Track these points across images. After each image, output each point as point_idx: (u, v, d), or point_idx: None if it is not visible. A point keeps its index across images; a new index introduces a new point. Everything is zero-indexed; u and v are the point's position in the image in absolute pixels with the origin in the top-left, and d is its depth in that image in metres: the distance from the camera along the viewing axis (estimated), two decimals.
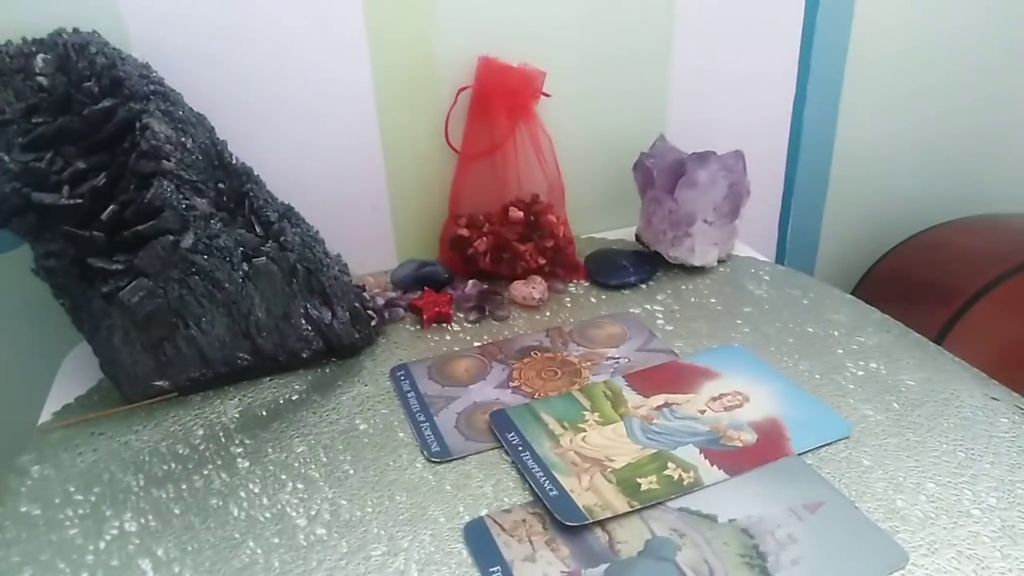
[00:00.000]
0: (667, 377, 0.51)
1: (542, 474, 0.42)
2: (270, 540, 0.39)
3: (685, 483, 0.41)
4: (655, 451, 0.44)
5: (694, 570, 0.36)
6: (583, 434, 0.45)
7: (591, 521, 0.39)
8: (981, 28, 0.87)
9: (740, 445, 0.44)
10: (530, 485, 0.42)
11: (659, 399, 0.49)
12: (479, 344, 0.56)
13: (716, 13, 0.73)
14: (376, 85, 0.63)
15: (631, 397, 0.49)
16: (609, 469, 0.42)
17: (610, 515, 0.39)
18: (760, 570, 0.36)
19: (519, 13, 0.65)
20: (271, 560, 0.38)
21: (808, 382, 0.50)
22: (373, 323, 0.57)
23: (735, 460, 0.43)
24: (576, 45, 0.68)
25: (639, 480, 0.41)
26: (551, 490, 0.41)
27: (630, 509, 0.39)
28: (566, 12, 0.66)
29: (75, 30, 0.51)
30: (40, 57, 0.47)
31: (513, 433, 0.45)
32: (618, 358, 0.53)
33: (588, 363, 0.53)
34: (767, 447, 0.44)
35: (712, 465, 0.43)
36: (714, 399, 0.49)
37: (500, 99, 0.63)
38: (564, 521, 0.39)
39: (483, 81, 0.64)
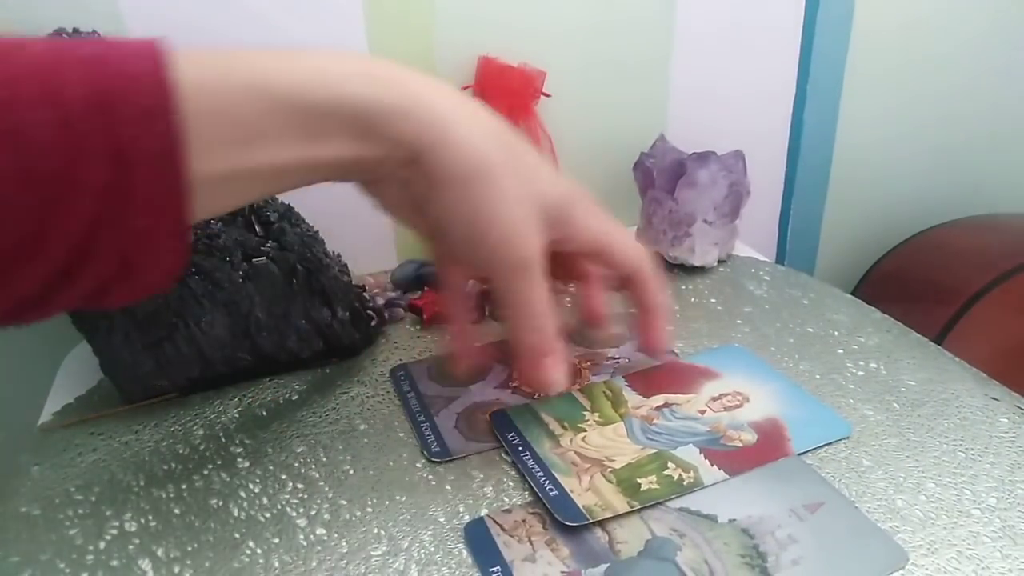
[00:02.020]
0: (667, 377, 0.51)
1: (542, 474, 0.42)
2: (270, 540, 0.39)
3: (685, 483, 0.41)
4: (655, 451, 0.44)
5: (694, 570, 0.36)
6: (583, 434, 0.45)
7: (591, 521, 0.39)
8: (982, 27, 0.88)
9: (740, 445, 0.44)
10: (530, 485, 0.42)
11: (659, 399, 0.49)
12: (479, 344, 0.56)
13: (717, 15, 0.73)
14: None
15: (631, 397, 0.49)
16: (609, 469, 0.42)
17: (610, 515, 0.39)
18: (760, 570, 0.36)
19: (520, 13, 0.65)
20: (271, 560, 0.38)
21: (808, 382, 0.50)
22: (373, 323, 0.57)
23: (735, 460, 0.43)
24: (577, 46, 0.68)
25: (639, 480, 0.41)
26: (551, 490, 0.41)
27: (630, 509, 0.39)
28: (567, 12, 0.67)
29: (75, 30, 0.51)
30: None
31: (513, 433, 0.45)
32: (618, 358, 0.53)
33: (588, 363, 0.53)
34: (767, 447, 0.44)
35: (712, 465, 0.43)
36: (714, 399, 0.49)
37: (500, 99, 0.63)
38: (564, 521, 0.39)
39: (483, 81, 0.64)
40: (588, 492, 0.41)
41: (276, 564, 0.38)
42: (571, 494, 0.40)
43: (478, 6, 0.63)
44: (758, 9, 0.75)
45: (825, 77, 0.81)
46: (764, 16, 0.75)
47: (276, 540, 0.39)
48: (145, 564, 0.38)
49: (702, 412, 0.47)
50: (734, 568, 0.36)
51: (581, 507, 0.40)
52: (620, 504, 0.40)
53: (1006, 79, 0.92)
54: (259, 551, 0.39)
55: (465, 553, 0.38)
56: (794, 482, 0.41)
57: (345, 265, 0.58)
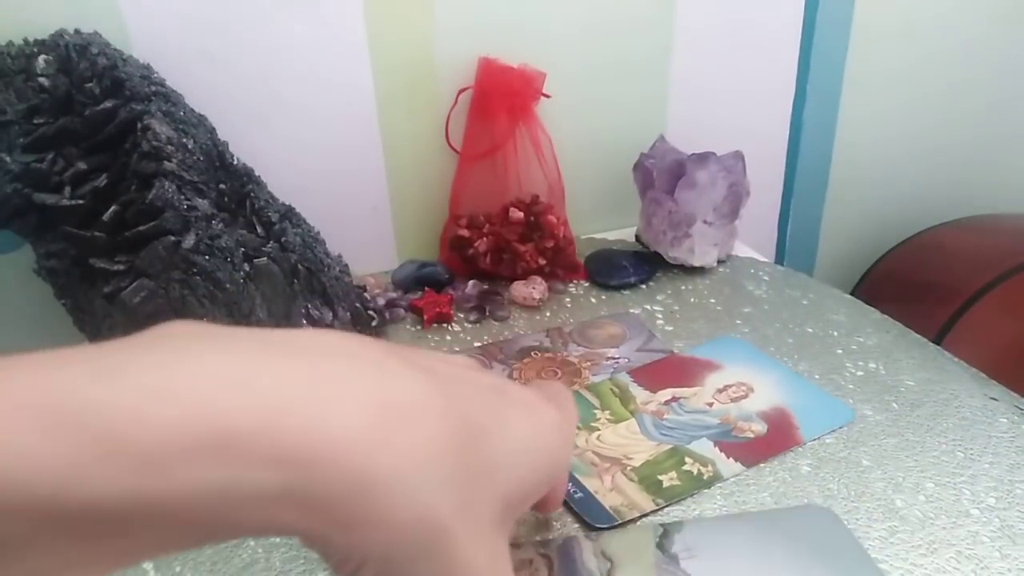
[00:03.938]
0: (671, 371, 0.51)
1: None
2: (271, 539, 0.39)
3: (705, 478, 0.42)
4: (671, 447, 0.44)
5: None
6: (597, 433, 0.46)
7: (620, 522, 0.39)
8: (982, 27, 0.88)
9: (752, 436, 0.45)
10: None
11: (666, 394, 0.49)
12: (479, 344, 0.57)
13: (716, 16, 0.73)
14: (377, 86, 0.63)
15: (638, 393, 0.49)
16: (629, 467, 0.43)
17: (637, 515, 0.39)
18: None
19: (520, 15, 0.65)
20: (272, 559, 0.38)
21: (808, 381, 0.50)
22: (374, 323, 0.57)
23: (750, 451, 0.44)
24: (577, 47, 0.68)
25: (660, 477, 0.42)
26: (576, 492, 0.41)
27: (656, 507, 0.40)
28: (567, 14, 0.67)
29: (76, 31, 0.51)
30: (42, 58, 0.47)
31: None
32: (618, 358, 0.54)
33: (588, 363, 0.53)
34: (778, 437, 0.45)
35: (728, 458, 0.43)
36: (720, 391, 0.49)
37: (500, 100, 0.63)
38: (594, 524, 0.39)
39: (483, 82, 0.64)
40: (612, 492, 0.41)
41: (277, 563, 0.38)
42: (596, 495, 0.41)
43: (478, 7, 0.64)
44: (758, 9, 0.75)
45: (825, 78, 0.81)
46: (764, 16, 0.75)
47: (277, 539, 0.39)
48: (147, 563, 0.38)
49: (710, 404, 0.48)
50: None
51: (608, 508, 0.40)
52: (646, 503, 0.40)
53: (1006, 79, 0.92)
54: (260, 550, 0.39)
55: None
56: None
57: (346, 265, 0.58)
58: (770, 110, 0.81)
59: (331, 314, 0.53)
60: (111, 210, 0.47)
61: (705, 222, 0.64)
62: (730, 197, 0.64)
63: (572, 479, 0.42)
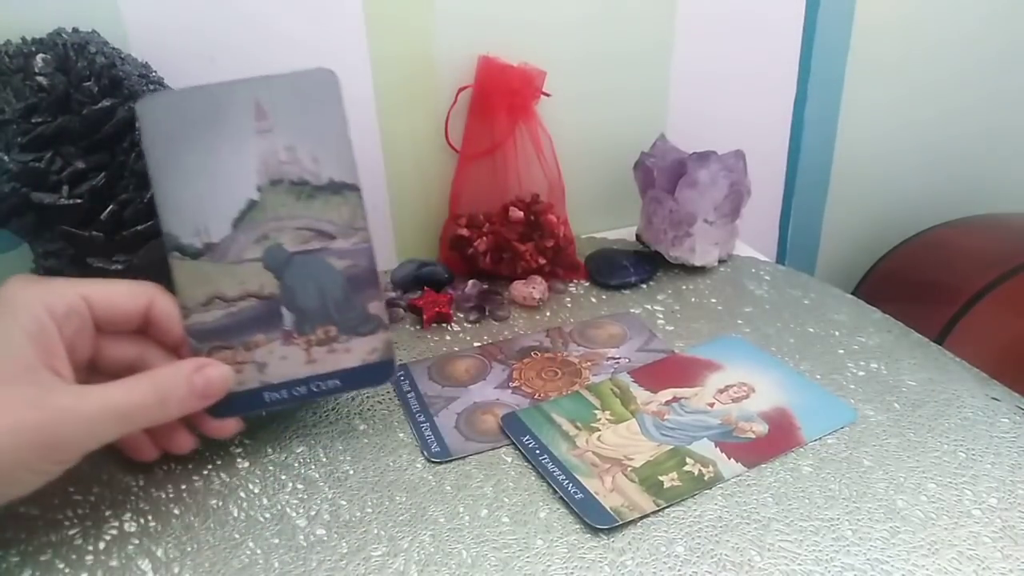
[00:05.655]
0: (671, 371, 0.51)
1: (564, 477, 0.42)
2: (270, 541, 0.39)
3: (706, 478, 0.41)
4: (672, 447, 0.44)
5: None
6: (598, 433, 0.46)
7: (621, 523, 0.39)
8: (983, 26, 0.87)
9: (753, 437, 0.45)
10: (552, 488, 0.41)
11: (667, 394, 0.49)
12: (479, 344, 0.56)
13: (717, 11, 0.73)
14: (376, 85, 0.63)
15: (639, 393, 0.49)
16: (629, 468, 0.42)
17: (638, 515, 0.39)
18: None
19: (519, 12, 0.65)
20: (271, 560, 0.38)
21: None
22: None
23: (751, 452, 0.43)
24: (577, 44, 0.68)
25: (661, 478, 0.42)
26: (576, 494, 0.41)
27: (656, 508, 0.40)
28: (567, 11, 0.66)
29: (75, 30, 0.51)
30: (39, 57, 0.47)
31: (528, 436, 0.45)
32: (618, 358, 0.53)
33: (588, 363, 0.53)
34: (779, 437, 0.45)
35: (729, 458, 0.43)
36: (721, 391, 0.49)
37: (500, 98, 0.63)
38: (594, 525, 0.39)
39: (483, 80, 0.64)
40: (613, 493, 0.41)
41: (276, 564, 0.38)
42: (596, 496, 0.40)
43: (478, 5, 0.63)
44: (759, 6, 0.74)
45: (826, 77, 0.81)
46: (764, 14, 0.75)
47: (276, 540, 0.39)
48: (145, 564, 0.38)
49: (711, 405, 0.48)
50: None
51: (608, 509, 0.39)
52: (647, 504, 0.40)
53: (1006, 79, 0.92)
54: (259, 551, 0.39)
55: (465, 554, 0.38)
56: None
57: None
58: (771, 109, 0.81)
59: None
60: (109, 209, 0.47)
61: (706, 221, 0.64)
62: (731, 196, 0.64)
63: (571, 479, 0.42)
